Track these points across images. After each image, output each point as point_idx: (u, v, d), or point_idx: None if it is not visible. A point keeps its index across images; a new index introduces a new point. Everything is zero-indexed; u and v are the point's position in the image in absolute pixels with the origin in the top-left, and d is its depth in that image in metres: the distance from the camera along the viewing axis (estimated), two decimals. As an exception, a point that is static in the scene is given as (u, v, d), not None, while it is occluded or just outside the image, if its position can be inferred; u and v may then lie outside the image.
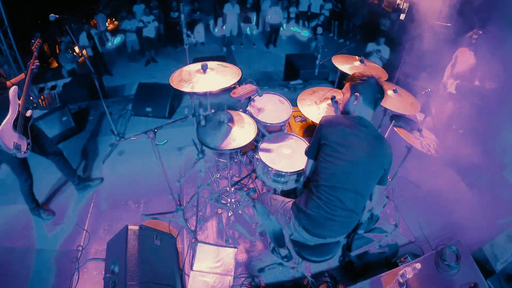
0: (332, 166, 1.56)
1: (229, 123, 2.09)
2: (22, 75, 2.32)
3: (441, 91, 3.77)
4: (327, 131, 1.60)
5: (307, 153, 1.79)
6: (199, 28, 8.08)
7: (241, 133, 2.03)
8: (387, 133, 2.46)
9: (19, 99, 2.21)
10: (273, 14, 7.95)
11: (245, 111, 2.57)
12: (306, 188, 1.77)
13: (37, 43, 2.35)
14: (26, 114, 2.27)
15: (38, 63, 2.29)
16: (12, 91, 2.15)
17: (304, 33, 9.21)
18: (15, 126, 2.18)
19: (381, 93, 1.61)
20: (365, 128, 1.58)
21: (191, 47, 3.57)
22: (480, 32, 3.35)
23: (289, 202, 1.79)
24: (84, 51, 7.31)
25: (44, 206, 2.87)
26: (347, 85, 1.69)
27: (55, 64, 7.13)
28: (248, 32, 8.66)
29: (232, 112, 2.22)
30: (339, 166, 1.55)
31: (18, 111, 2.20)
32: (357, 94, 1.60)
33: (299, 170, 2.11)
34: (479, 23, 3.45)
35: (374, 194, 1.76)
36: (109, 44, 8.47)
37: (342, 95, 1.73)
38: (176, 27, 7.58)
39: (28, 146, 2.29)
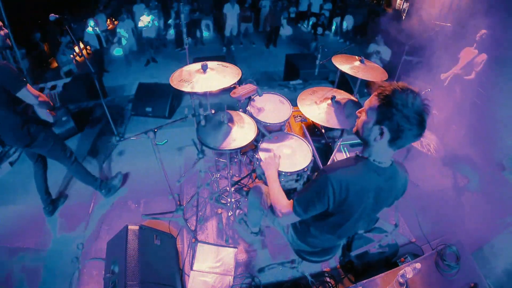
0: (333, 223, 1.35)
1: (229, 123, 2.09)
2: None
3: (440, 89, 3.77)
4: (348, 194, 1.15)
5: (303, 212, 1.27)
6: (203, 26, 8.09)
7: (241, 133, 2.02)
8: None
9: None
10: (272, 18, 7.95)
11: (245, 111, 2.56)
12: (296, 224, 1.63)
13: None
14: None
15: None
16: None
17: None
18: None
19: (419, 135, 1.07)
20: (379, 178, 1.19)
21: (191, 47, 3.56)
22: (484, 31, 3.37)
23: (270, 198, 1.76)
24: (84, 51, 7.33)
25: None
26: (373, 101, 1.10)
27: (55, 64, 7.13)
28: (249, 30, 8.58)
29: (232, 112, 2.22)
30: (342, 224, 1.34)
31: None
32: (384, 129, 1.08)
33: (299, 170, 2.11)
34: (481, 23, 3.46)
35: None
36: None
37: (361, 112, 1.19)
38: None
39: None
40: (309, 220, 1.46)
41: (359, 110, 1.21)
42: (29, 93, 2.13)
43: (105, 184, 2.95)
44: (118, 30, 7.05)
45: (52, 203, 2.81)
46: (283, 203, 1.38)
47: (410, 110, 1.02)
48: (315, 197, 1.20)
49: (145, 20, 6.98)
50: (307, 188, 1.26)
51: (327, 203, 1.19)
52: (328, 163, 1.69)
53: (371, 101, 1.12)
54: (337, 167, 1.18)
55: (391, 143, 1.11)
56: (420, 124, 1.04)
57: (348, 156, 2.01)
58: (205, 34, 8.48)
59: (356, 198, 1.18)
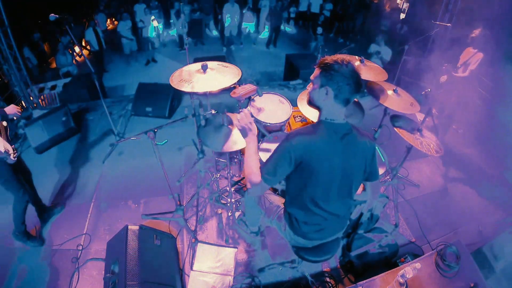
0: (307, 189, 1.42)
1: (229, 126, 2.08)
2: None
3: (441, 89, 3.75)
4: (301, 153, 1.31)
5: (268, 179, 1.36)
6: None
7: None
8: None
9: None
10: (273, 17, 7.91)
11: (245, 111, 2.56)
12: (285, 210, 1.65)
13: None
14: (3, 123, 2.25)
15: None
16: None
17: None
18: None
19: (357, 90, 1.31)
20: (336, 135, 1.35)
21: (191, 47, 3.56)
22: (476, 31, 3.34)
23: (282, 209, 1.75)
24: (84, 51, 7.33)
25: (33, 232, 2.59)
26: (316, 71, 1.36)
27: (55, 64, 7.14)
28: (250, 30, 8.55)
29: (232, 115, 2.22)
30: (315, 187, 1.41)
31: None
32: (328, 88, 1.31)
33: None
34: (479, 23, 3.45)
35: (368, 189, 1.64)
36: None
37: (310, 86, 1.42)
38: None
39: (15, 151, 2.22)
40: (290, 204, 1.56)
41: (308, 85, 1.45)
42: None
43: (23, 234, 2.50)
44: (118, 30, 7.06)
45: (43, 214, 2.71)
46: (256, 173, 1.44)
47: (346, 70, 1.27)
48: (279, 160, 1.35)
49: (145, 20, 6.98)
50: (273, 155, 1.39)
51: (289, 162, 1.33)
52: None
53: (315, 72, 1.37)
54: (297, 131, 1.37)
55: (336, 99, 1.32)
56: (356, 80, 1.29)
57: None
58: (215, 33, 8.33)
59: (314, 156, 1.32)
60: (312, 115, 2.26)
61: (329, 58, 1.31)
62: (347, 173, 1.40)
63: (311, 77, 1.39)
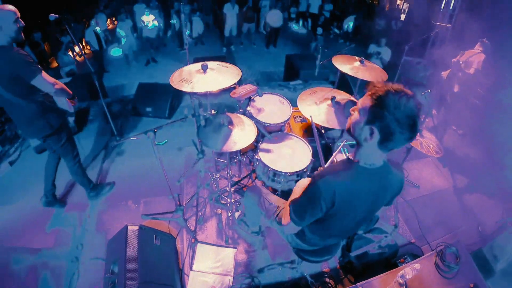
0: (332, 225, 1.38)
1: (229, 126, 2.09)
2: None
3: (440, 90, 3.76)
4: (332, 199, 1.16)
5: (298, 220, 1.29)
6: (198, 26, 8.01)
7: (242, 136, 2.02)
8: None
9: None
10: (273, 17, 7.91)
11: (245, 112, 2.57)
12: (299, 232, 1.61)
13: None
14: None
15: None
16: None
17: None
18: None
19: (411, 137, 1.05)
20: (372, 181, 1.18)
21: (191, 47, 3.56)
22: (485, 41, 3.37)
23: (281, 211, 1.75)
24: (84, 50, 7.34)
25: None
26: (367, 100, 1.07)
27: (55, 64, 7.14)
28: (251, 30, 8.58)
29: (232, 115, 2.22)
30: (341, 223, 1.36)
31: None
32: (374, 129, 1.05)
33: (299, 171, 2.11)
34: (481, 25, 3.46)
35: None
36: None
37: (354, 111, 1.16)
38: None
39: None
40: (309, 232, 1.53)
41: (353, 108, 1.17)
42: (44, 81, 2.02)
43: (95, 187, 2.91)
44: (117, 30, 7.07)
45: (53, 196, 2.77)
46: (286, 214, 1.39)
47: (402, 113, 0.99)
48: (308, 205, 1.22)
49: (146, 19, 6.99)
50: (301, 196, 1.28)
51: (320, 209, 1.20)
52: (327, 164, 1.69)
53: (364, 101, 1.09)
54: (326, 173, 1.17)
55: (381, 145, 1.08)
56: (412, 128, 1.02)
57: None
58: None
59: (344, 203, 1.19)
60: (312, 115, 2.26)
61: (385, 89, 1.02)
62: (374, 208, 1.35)
63: (359, 104, 1.12)
